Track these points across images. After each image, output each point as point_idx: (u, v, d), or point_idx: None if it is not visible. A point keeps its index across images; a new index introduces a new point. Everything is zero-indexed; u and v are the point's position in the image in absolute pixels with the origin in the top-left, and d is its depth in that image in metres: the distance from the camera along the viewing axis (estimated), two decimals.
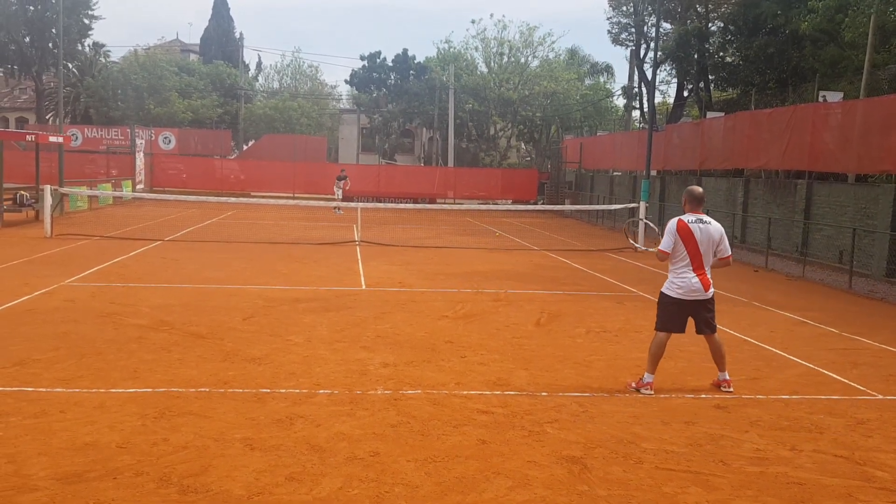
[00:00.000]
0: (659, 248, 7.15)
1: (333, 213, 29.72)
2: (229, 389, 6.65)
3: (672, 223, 7.05)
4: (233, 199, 24.20)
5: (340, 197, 31.39)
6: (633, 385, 7.14)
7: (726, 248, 7.14)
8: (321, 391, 6.75)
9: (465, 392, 6.89)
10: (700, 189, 7.21)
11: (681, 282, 7.02)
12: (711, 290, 7.09)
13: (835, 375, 8.08)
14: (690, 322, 7.25)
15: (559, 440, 5.75)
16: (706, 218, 7.12)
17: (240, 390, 6.67)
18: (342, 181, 31.65)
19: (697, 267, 6.96)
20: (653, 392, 7.02)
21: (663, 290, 7.20)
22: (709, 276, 7.05)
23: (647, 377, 7.10)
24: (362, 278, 13.67)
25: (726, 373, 7.29)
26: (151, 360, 7.56)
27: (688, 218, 7.04)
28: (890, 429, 6.36)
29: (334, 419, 6.02)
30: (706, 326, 7.19)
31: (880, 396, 7.35)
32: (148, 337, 8.53)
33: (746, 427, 6.25)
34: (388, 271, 14.62)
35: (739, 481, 5.12)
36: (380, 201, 35.75)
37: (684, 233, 6.98)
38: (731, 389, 7.20)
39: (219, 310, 10.08)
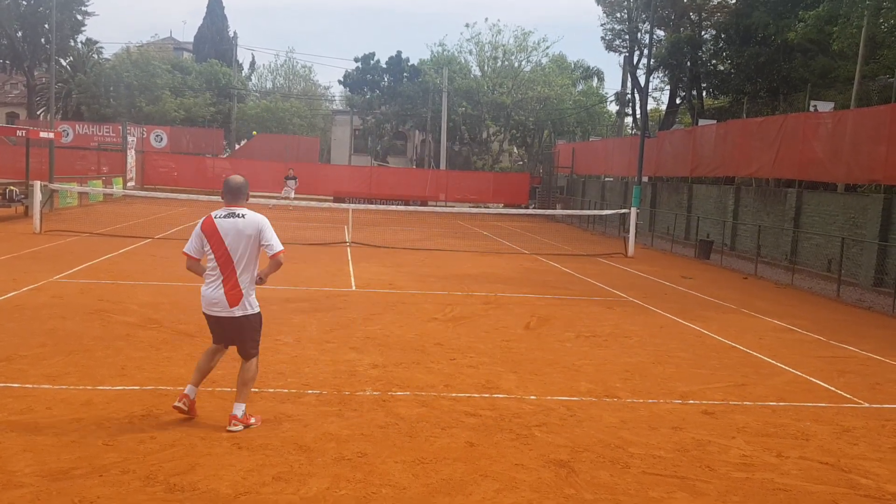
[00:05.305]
0: (183, 250, 5.75)
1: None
2: (217, 388, 6.63)
3: (200, 221, 5.74)
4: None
5: (291, 197, 32.25)
6: (253, 420, 5.78)
7: (273, 244, 5.64)
8: (310, 391, 6.74)
9: (453, 394, 6.90)
10: (238, 178, 5.83)
11: (205, 291, 5.68)
12: (238, 309, 5.64)
13: (822, 383, 8.12)
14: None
15: (547, 444, 5.76)
16: (242, 211, 5.67)
17: (228, 389, 6.63)
18: (291, 181, 32.96)
19: (227, 274, 5.60)
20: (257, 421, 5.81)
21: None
22: (242, 287, 5.63)
23: (189, 389, 5.78)
24: (352, 279, 13.66)
25: (242, 405, 5.74)
26: (139, 357, 7.52)
27: (217, 213, 5.68)
28: (875, 437, 6.41)
29: (322, 419, 6.01)
30: (239, 351, 5.86)
31: (866, 405, 7.40)
32: (136, 334, 8.50)
33: (733, 433, 6.27)
34: (378, 273, 14.61)
35: (726, 487, 5.15)
36: (371, 203, 35.74)
37: (209, 230, 5.62)
38: (238, 428, 5.63)
39: None
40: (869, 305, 14.20)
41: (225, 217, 5.63)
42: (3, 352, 7.45)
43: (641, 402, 6.99)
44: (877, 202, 16.45)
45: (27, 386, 6.45)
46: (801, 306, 13.68)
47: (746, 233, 22.06)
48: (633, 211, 21.29)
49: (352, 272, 14.53)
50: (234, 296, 5.61)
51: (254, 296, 5.77)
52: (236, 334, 5.76)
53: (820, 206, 19.09)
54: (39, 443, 5.21)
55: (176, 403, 5.76)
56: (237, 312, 5.63)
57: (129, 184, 35.33)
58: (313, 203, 28.72)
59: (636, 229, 21.20)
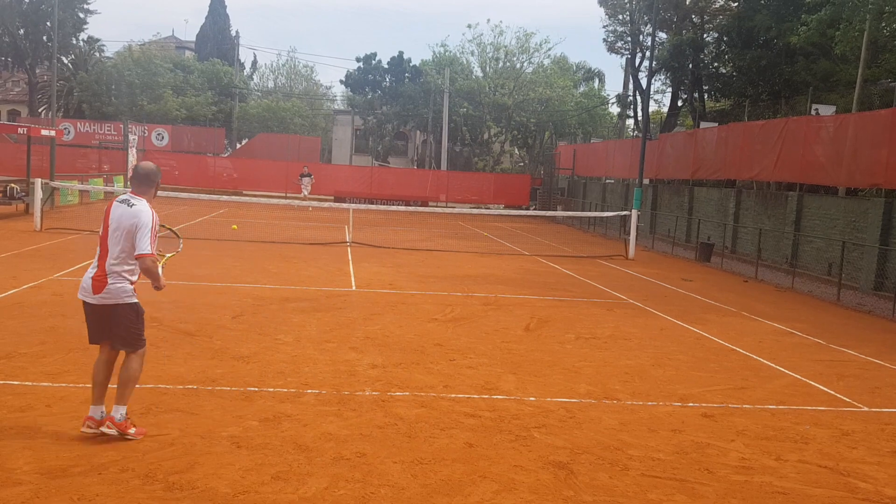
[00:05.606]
0: None
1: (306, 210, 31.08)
2: (217, 387, 6.63)
3: None
4: (225, 198, 24.08)
5: (307, 195, 32.79)
6: (132, 431, 5.39)
7: (140, 245, 5.27)
8: (309, 391, 6.74)
9: (452, 395, 6.89)
10: (148, 166, 5.63)
11: (85, 274, 5.48)
12: (102, 297, 5.33)
13: (821, 387, 8.12)
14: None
15: (546, 445, 5.76)
16: (135, 200, 5.40)
17: (227, 388, 6.65)
18: (307, 178, 33.51)
19: (100, 259, 5.38)
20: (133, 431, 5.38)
21: None
22: (109, 276, 5.31)
23: (92, 410, 5.43)
24: (353, 279, 13.65)
25: (122, 407, 5.35)
26: None
27: (121, 197, 5.49)
28: (874, 440, 6.41)
29: (321, 419, 6.01)
30: (115, 343, 5.50)
31: (865, 408, 7.40)
32: None
33: (732, 436, 6.27)
34: (378, 273, 14.61)
35: (724, 490, 5.15)
36: (372, 203, 35.74)
37: (106, 213, 5.46)
38: (111, 431, 5.30)
39: (208, 307, 10.05)
40: (869, 309, 14.19)
41: (121, 202, 5.41)
42: (3, 349, 7.45)
43: (641, 405, 6.99)
44: (877, 206, 16.45)
45: (27, 383, 6.45)
46: (802, 310, 13.68)
47: (747, 236, 22.06)
48: (634, 213, 21.28)
49: (352, 272, 14.53)
50: (98, 282, 5.31)
51: (124, 286, 5.36)
52: (105, 325, 5.42)
53: (821, 209, 19.08)
54: (38, 440, 5.22)
55: (83, 429, 5.36)
56: (103, 300, 5.32)
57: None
58: (314, 203, 28.72)
59: (637, 231, 21.19)
